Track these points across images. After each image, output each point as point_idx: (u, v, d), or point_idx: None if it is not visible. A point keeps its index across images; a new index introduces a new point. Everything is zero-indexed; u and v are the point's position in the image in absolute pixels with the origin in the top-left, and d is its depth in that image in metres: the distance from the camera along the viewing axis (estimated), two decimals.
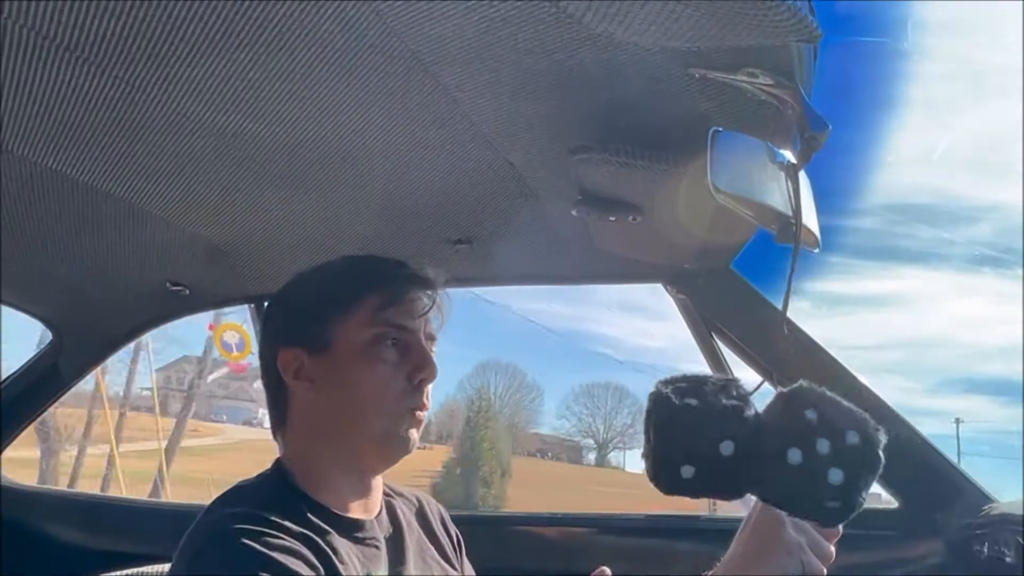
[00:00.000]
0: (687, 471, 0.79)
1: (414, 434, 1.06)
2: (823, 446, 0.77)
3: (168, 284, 1.92)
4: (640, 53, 0.93)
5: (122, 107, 1.10)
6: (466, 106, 1.08)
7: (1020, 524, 1.39)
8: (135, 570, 1.38)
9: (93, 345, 2.31)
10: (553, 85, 1.02)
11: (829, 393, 0.81)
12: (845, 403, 0.80)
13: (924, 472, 1.56)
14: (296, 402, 1.09)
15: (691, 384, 0.82)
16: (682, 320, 1.81)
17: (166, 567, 1.34)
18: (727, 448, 0.79)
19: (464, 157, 1.23)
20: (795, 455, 0.77)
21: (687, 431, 0.80)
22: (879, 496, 1.59)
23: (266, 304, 1.18)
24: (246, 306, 2.18)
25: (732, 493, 0.83)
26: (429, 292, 1.10)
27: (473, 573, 1.25)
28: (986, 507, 1.52)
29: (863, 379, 1.63)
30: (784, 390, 0.82)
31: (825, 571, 0.84)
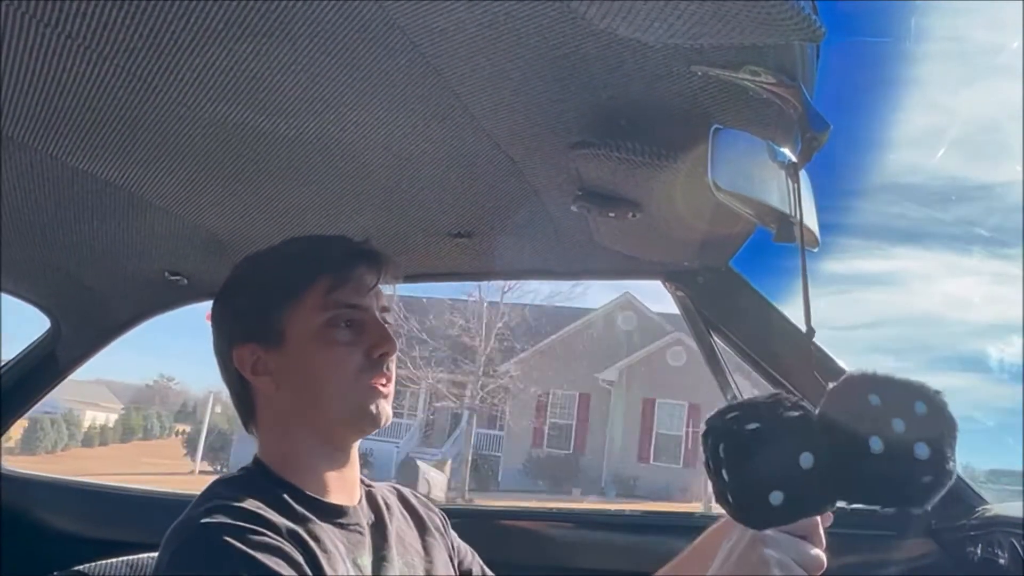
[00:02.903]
0: (776, 498, 0.75)
1: (384, 406, 1.05)
2: (899, 425, 0.75)
3: (167, 274, 1.92)
4: (642, 49, 0.93)
5: (124, 96, 1.10)
6: (467, 100, 1.08)
7: (1014, 526, 1.40)
8: (134, 557, 1.39)
9: (90, 333, 2.31)
10: (555, 80, 1.02)
11: (880, 373, 0.78)
12: (898, 378, 0.78)
13: None
14: (260, 397, 1.08)
15: (745, 410, 0.79)
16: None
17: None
18: (807, 461, 0.75)
19: (465, 151, 1.23)
20: (877, 443, 0.74)
21: (763, 456, 0.76)
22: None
23: (214, 301, 1.16)
24: None
25: (823, 507, 0.79)
26: (376, 266, 1.10)
27: (466, 545, 1.25)
28: (980, 509, 1.52)
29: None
30: (835, 384, 0.79)
31: None
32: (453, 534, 1.24)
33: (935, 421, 0.75)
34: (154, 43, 0.97)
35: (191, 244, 1.72)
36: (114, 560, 1.37)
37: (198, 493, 1.01)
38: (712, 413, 0.79)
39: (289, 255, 1.13)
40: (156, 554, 1.34)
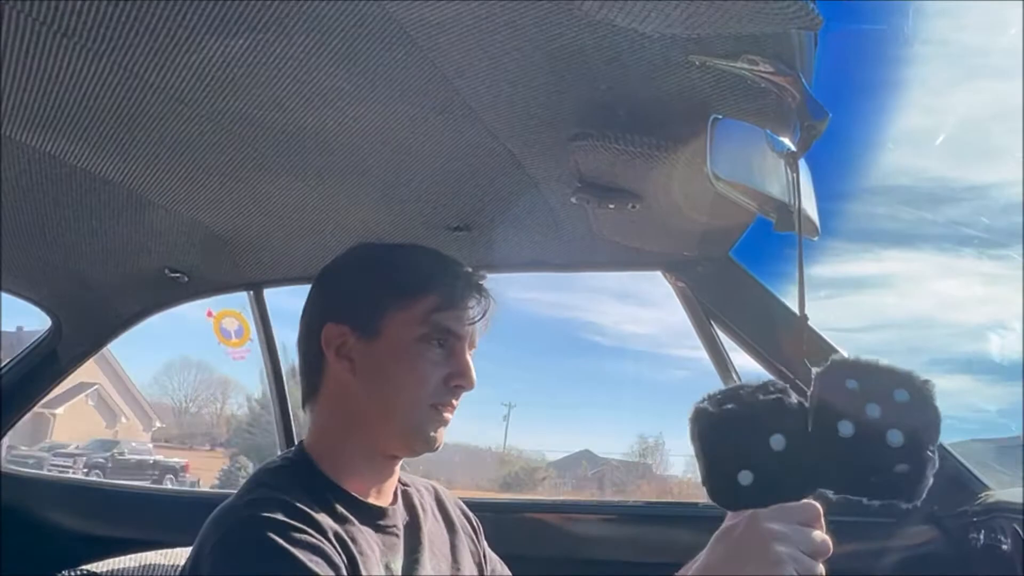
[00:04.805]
0: (745, 477, 0.76)
1: (441, 433, 1.07)
2: (873, 410, 0.74)
3: (167, 271, 1.92)
4: (640, 40, 0.93)
5: (120, 93, 1.10)
6: (465, 93, 1.08)
7: (1016, 512, 1.40)
8: (142, 555, 1.39)
9: (92, 332, 2.31)
10: (553, 72, 1.02)
11: (864, 359, 0.78)
12: (884, 363, 0.77)
13: None
14: (331, 377, 1.09)
15: (726, 393, 0.79)
16: (677, 307, 1.82)
17: (168, 553, 1.35)
18: (778, 443, 0.75)
19: (463, 144, 1.23)
20: (846, 427, 0.74)
21: (733, 435, 0.77)
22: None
23: (322, 270, 1.16)
24: (244, 293, 2.18)
25: (797, 492, 0.78)
26: (484, 304, 1.11)
27: (495, 555, 1.26)
28: (982, 495, 1.52)
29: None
30: (819, 369, 0.78)
31: (822, 570, 0.79)
32: (485, 544, 1.25)
33: (915, 410, 0.74)
34: (150, 39, 0.97)
35: (191, 241, 1.72)
36: (124, 557, 1.37)
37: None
38: (702, 397, 0.80)
39: (412, 260, 1.13)
40: (164, 551, 1.35)
